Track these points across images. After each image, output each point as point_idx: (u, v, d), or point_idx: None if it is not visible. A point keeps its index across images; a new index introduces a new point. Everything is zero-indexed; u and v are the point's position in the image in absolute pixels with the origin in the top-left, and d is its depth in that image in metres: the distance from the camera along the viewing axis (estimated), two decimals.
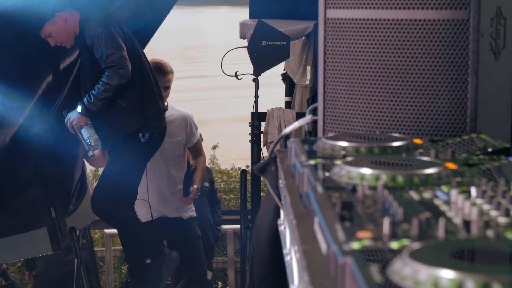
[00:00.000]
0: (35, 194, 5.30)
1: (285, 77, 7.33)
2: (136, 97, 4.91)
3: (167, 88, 5.36)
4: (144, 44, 5.38)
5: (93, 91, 4.75)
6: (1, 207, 5.19)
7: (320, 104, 2.38)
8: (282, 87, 7.60)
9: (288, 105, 7.09)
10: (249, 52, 4.99)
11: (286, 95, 7.38)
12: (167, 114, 5.24)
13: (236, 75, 5.08)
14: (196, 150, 5.79)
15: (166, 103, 5.24)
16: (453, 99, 2.20)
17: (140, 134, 4.97)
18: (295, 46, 6.29)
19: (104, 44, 4.71)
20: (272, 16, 5.62)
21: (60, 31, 4.84)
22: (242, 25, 5.79)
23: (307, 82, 5.91)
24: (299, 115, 5.37)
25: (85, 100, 4.78)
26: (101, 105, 4.78)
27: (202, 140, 5.97)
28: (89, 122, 4.89)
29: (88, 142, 4.88)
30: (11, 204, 5.24)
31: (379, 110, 2.26)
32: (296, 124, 2.42)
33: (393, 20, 2.20)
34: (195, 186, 5.62)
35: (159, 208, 5.57)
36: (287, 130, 2.43)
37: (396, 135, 2.04)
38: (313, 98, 5.67)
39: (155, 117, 5.01)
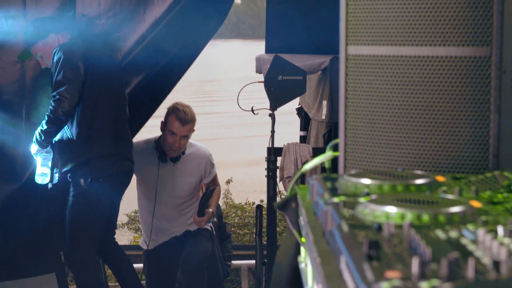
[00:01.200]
0: (45, 238, 5.28)
1: (300, 112, 7.33)
2: (82, 133, 4.70)
3: (185, 137, 5.23)
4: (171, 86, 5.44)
5: (42, 121, 4.66)
6: (11, 249, 5.18)
7: (341, 140, 2.37)
8: (296, 121, 7.60)
9: (303, 139, 7.09)
10: (265, 86, 4.99)
11: (301, 130, 7.38)
12: (183, 156, 5.27)
13: (252, 110, 5.07)
14: (212, 182, 5.61)
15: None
16: (475, 136, 2.19)
17: (82, 179, 4.72)
18: (311, 81, 6.30)
19: (56, 72, 4.60)
20: (288, 50, 5.64)
21: (50, 52, 4.73)
22: (258, 60, 5.81)
23: (323, 117, 5.91)
24: (315, 150, 5.36)
25: (36, 130, 4.70)
26: (48, 135, 4.66)
27: None
28: (47, 155, 4.78)
29: (36, 174, 4.80)
30: (20, 246, 5.23)
31: (401, 147, 2.25)
32: (316, 161, 2.41)
33: (414, 56, 2.20)
34: (210, 210, 5.39)
35: (157, 240, 5.49)
36: (307, 167, 2.42)
37: (419, 172, 2.02)
38: (329, 133, 5.67)
39: (101, 159, 4.76)
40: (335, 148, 2.46)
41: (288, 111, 7.49)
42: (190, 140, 5.39)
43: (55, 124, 4.61)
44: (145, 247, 5.50)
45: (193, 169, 5.40)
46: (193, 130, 5.30)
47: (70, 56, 4.64)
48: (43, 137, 4.65)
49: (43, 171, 4.75)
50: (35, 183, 4.84)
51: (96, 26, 5.27)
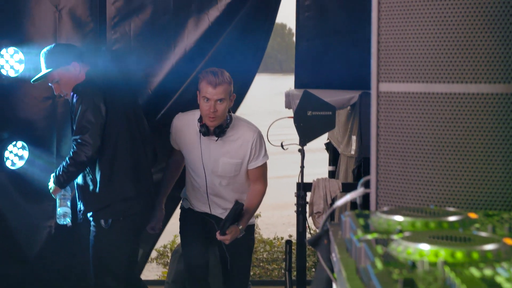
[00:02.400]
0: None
1: (329, 146, 7.33)
2: (103, 176, 4.67)
3: (221, 101, 4.69)
4: None
5: (62, 163, 4.61)
6: None
7: (373, 177, 2.38)
8: (323, 159, 7.59)
9: (332, 174, 7.08)
10: (295, 122, 5.00)
11: (329, 165, 7.37)
12: (228, 132, 4.83)
13: (282, 146, 5.09)
14: (255, 175, 5.02)
15: (228, 117, 4.80)
16: (507, 173, 2.19)
17: (102, 220, 4.69)
18: (340, 116, 6.31)
19: (79, 114, 4.53)
20: (317, 85, 5.65)
21: (69, 80, 4.66)
22: (288, 95, 5.83)
23: (352, 152, 5.90)
24: (345, 185, 5.35)
25: (56, 169, 4.64)
26: (70, 177, 4.62)
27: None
28: (67, 194, 4.74)
29: (57, 213, 4.74)
30: None
31: (433, 183, 2.26)
32: (348, 197, 2.42)
33: (446, 93, 2.21)
34: (240, 227, 4.88)
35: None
36: (339, 203, 2.43)
37: (451, 209, 2.03)
38: (358, 168, 5.66)
39: (123, 202, 4.72)
40: (367, 184, 2.47)
41: (316, 148, 7.49)
42: (239, 116, 5.04)
43: (77, 167, 4.57)
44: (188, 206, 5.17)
45: (237, 150, 4.90)
46: (234, 95, 4.83)
47: (92, 97, 4.59)
48: (64, 178, 4.62)
49: (64, 211, 4.71)
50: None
51: (122, 60, 5.33)
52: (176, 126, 4.97)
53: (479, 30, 2.16)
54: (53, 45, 4.81)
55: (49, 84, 4.74)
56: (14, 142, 5.03)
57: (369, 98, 5.32)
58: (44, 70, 4.69)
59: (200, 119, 4.82)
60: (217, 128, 4.79)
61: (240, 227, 4.86)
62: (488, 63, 2.16)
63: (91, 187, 4.68)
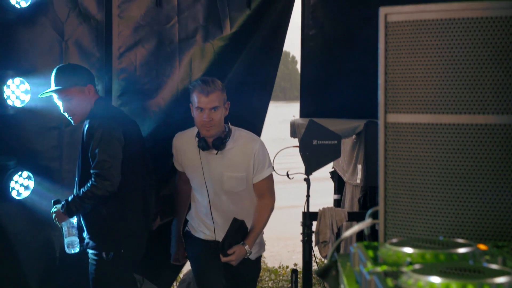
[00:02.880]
0: None
1: (334, 175, 7.33)
2: (116, 210, 4.64)
3: (215, 109, 4.56)
4: None
5: (78, 194, 4.54)
6: None
7: (381, 208, 2.37)
8: (328, 189, 7.58)
9: (337, 203, 7.07)
10: (300, 151, 5.00)
11: (334, 193, 7.36)
12: (229, 145, 4.67)
13: (287, 175, 5.08)
14: (261, 189, 4.82)
15: (226, 128, 4.68)
16: None
17: (104, 253, 4.63)
18: (345, 144, 6.31)
19: (99, 147, 4.49)
20: (323, 114, 5.68)
21: (82, 102, 4.63)
22: (293, 124, 5.85)
23: (358, 181, 5.90)
24: (351, 215, 5.34)
25: (69, 200, 4.58)
26: (83, 209, 4.57)
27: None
28: (73, 222, 4.69)
29: (65, 242, 4.68)
30: None
31: (442, 215, 2.25)
32: (356, 228, 2.42)
33: (454, 124, 2.22)
34: (246, 247, 4.69)
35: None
36: (347, 234, 2.42)
37: (461, 240, 2.02)
38: (364, 197, 5.66)
39: (130, 237, 4.71)
40: (375, 215, 2.46)
41: (321, 176, 7.48)
42: (238, 128, 4.82)
43: (95, 201, 4.52)
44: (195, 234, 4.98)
45: (239, 162, 4.72)
46: (228, 103, 4.68)
47: (113, 129, 4.57)
48: (77, 209, 4.58)
49: (72, 240, 4.68)
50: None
51: (127, 89, 5.37)
52: (176, 145, 4.90)
53: (486, 61, 2.17)
54: (68, 64, 4.85)
55: (59, 100, 4.66)
56: (20, 172, 5.02)
57: (375, 127, 5.33)
58: (54, 87, 4.65)
59: (198, 134, 4.71)
60: (216, 141, 4.66)
61: (246, 246, 4.68)
62: (495, 94, 2.17)
63: (101, 221, 4.65)
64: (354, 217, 5.44)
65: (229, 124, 4.74)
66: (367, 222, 2.42)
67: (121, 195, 4.60)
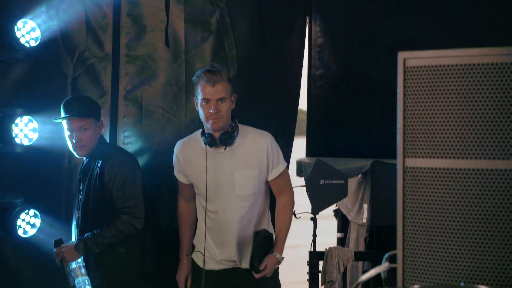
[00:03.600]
0: None
1: (337, 213, 7.31)
2: (134, 249, 4.66)
3: (222, 100, 4.25)
4: None
5: (101, 232, 4.48)
6: None
7: (399, 252, 2.37)
8: (330, 228, 7.55)
9: (341, 241, 7.03)
10: (307, 190, 4.99)
11: (338, 231, 7.33)
12: (238, 141, 4.35)
13: (294, 214, 5.07)
14: (279, 185, 4.53)
15: (233, 123, 4.34)
16: None
17: None
18: (350, 183, 6.31)
19: (127, 185, 4.53)
20: (329, 154, 5.68)
21: (93, 135, 4.63)
22: (299, 163, 5.84)
23: (364, 220, 5.88)
24: (357, 254, 5.32)
25: (88, 237, 4.49)
26: (102, 248, 4.51)
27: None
28: (82, 261, 4.56)
29: (75, 284, 4.52)
30: None
31: (461, 260, 2.24)
32: (372, 272, 2.41)
33: (474, 169, 2.22)
34: (276, 255, 4.41)
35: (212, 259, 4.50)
36: (364, 277, 2.41)
37: (481, 287, 2.01)
38: (370, 237, 5.64)
39: (140, 277, 4.70)
40: (392, 259, 2.45)
41: (323, 215, 7.46)
42: (246, 126, 4.48)
43: (119, 239, 4.50)
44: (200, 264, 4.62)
45: (250, 158, 4.36)
46: (235, 95, 4.38)
47: (136, 168, 4.68)
48: (97, 245, 4.51)
49: (84, 280, 4.54)
50: None
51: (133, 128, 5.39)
52: (178, 151, 4.54)
53: (506, 106, 2.17)
54: (86, 96, 4.88)
55: (73, 129, 4.59)
56: (26, 210, 5.01)
57: (382, 167, 5.35)
58: (71, 114, 4.60)
59: (203, 132, 4.38)
60: (224, 135, 4.30)
61: (277, 254, 4.42)
62: None
63: (119, 260, 4.62)
64: (361, 257, 5.42)
65: (236, 120, 4.40)
66: (384, 266, 2.41)
67: (139, 234, 4.64)
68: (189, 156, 4.46)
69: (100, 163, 4.60)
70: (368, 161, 5.62)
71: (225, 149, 4.34)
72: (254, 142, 4.38)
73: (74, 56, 5.29)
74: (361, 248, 5.89)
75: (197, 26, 5.43)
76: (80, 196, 4.69)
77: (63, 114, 4.60)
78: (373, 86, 5.73)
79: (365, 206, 5.86)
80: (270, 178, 4.48)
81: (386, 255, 2.48)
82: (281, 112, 5.54)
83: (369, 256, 5.47)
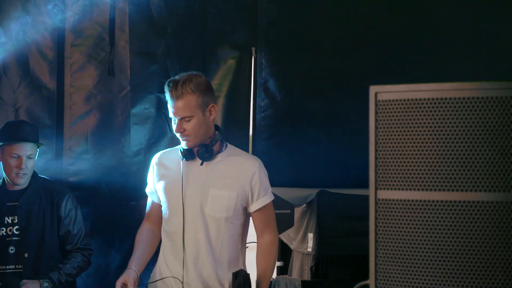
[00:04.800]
0: None
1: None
2: None
3: (188, 119, 3.70)
4: None
5: (65, 270, 4.50)
6: None
7: (371, 284, 2.39)
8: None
9: (281, 270, 7.04)
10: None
11: (278, 260, 7.34)
12: (220, 157, 3.82)
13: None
14: (264, 220, 3.91)
15: (216, 135, 3.81)
16: (509, 280, 2.23)
17: None
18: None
19: (79, 221, 4.64)
20: (274, 184, 5.69)
21: (33, 163, 4.57)
22: None
23: (309, 249, 5.91)
24: (304, 283, 5.33)
25: (55, 277, 4.44)
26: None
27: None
28: None
29: None
30: None
31: None
32: None
33: (445, 201, 2.27)
34: None
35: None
36: None
37: None
38: (316, 266, 5.66)
39: None
40: None
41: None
42: (236, 148, 4.00)
43: (79, 275, 4.62)
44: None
45: (234, 178, 3.80)
46: (212, 106, 3.77)
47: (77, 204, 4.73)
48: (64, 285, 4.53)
49: None
50: None
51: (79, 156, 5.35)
52: (155, 162, 4.00)
53: (478, 139, 2.23)
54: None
55: (28, 156, 4.52)
56: None
57: (328, 196, 5.38)
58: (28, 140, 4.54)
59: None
60: (202, 147, 3.77)
61: None
62: (487, 172, 2.22)
63: None
64: (308, 286, 5.44)
65: (220, 132, 3.89)
66: None
67: None
68: (165, 166, 3.91)
69: (50, 197, 4.55)
70: (314, 191, 5.66)
71: (201, 164, 3.78)
72: (240, 162, 3.84)
73: (17, 86, 5.22)
74: (306, 277, 5.91)
75: (143, 56, 5.43)
76: (14, 231, 4.55)
77: (4, 137, 4.53)
78: (318, 117, 5.79)
79: (310, 235, 5.89)
80: (253, 208, 3.87)
81: (357, 285, 2.51)
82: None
83: (317, 285, 5.50)
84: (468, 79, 2.27)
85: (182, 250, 3.79)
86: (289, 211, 5.13)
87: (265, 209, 3.92)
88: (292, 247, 6.56)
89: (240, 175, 3.81)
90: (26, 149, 4.50)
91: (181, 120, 3.69)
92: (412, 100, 2.30)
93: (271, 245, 3.98)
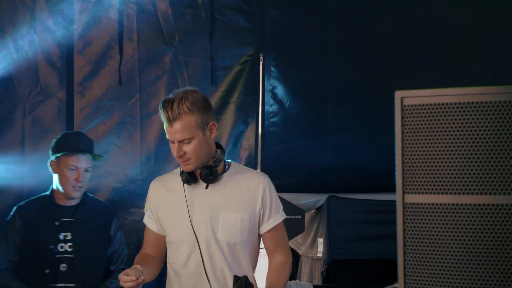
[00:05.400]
0: None
1: None
2: None
3: (188, 141, 3.38)
4: None
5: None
6: None
7: (401, 286, 2.41)
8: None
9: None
10: None
11: None
12: (226, 177, 3.52)
13: None
14: (276, 240, 3.58)
15: (219, 154, 3.49)
16: None
17: None
18: None
19: (123, 242, 4.70)
20: (284, 189, 5.71)
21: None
22: None
23: (319, 254, 5.92)
24: None
25: None
26: None
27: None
28: None
29: None
30: None
31: None
32: None
33: (474, 205, 2.28)
34: None
35: None
36: None
37: None
38: (327, 271, 5.67)
39: None
40: None
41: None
42: (241, 165, 3.78)
43: None
44: None
45: (244, 198, 3.50)
46: (213, 124, 3.47)
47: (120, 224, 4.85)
48: None
49: None
50: None
51: None
52: (152, 190, 3.69)
53: (506, 142, 2.25)
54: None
55: (83, 168, 4.57)
56: None
57: (337, 201, 5.40)
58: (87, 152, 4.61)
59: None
60: (205, 169, 3.46)
61: None
62: None
63: None
64: None
65: (222, 150, 3.58)
66: None
67: None
68: (165, 193, 3.61)
69: (102, 215, 4.61)
70: (324, 196, 5.68)
71: (206, 187, 3.48)
72: (248, 180, 3.53)
73: (27, 95, 5.24)
74: (317, 282, 5.93)
75: (150, 64, 5.45)
76: (67, 248, 4.50)
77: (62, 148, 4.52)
78: (327, 122, 5.82)
79: (320, 240, 5.90)
80: (264, 230, 3.56)
81: None
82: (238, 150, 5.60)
83: None
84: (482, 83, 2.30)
85: (204, 282, 3.46)
86: (300, 216, 5.15)
87: (276, 228, 3.58)
88: (300, 252, 6.58)
89: (250, 194, 3.50)
90: (84, 161, 4.51)
91: (181, 143, 3.37)
92: (438, 104, 2.32)
93: (284, 264, 3.61)
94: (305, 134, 5.85)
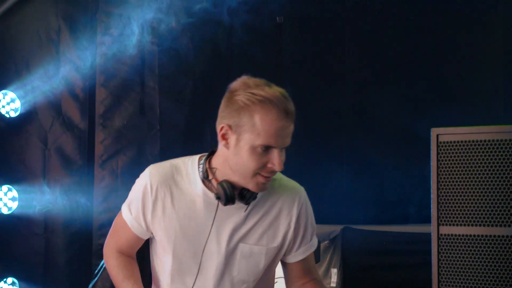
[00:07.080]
0: None
1: None
2: None
3: (284, 148, 2.36)
4: None
5: None
6: None
7: None
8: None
9: None
10: None
11: None
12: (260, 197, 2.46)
13: None
14: (307, 266, 2.62)
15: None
16: None
17: None
18: None
19: None
20: None
21: None
22: None
23: (333, 284, 6.00)
24: None
25: None
26: None
27: None
28: None
29: None
30: None
31: None
32: None
33: (506, 236, 2.41)
34: None
35: None
36: None
37: None
38: None
39: None
40: None
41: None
42: None
43: None
44: None
45: (270, 224, 2.51)
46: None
47: None
48: None
49: None
50: None
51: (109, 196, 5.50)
52: (156, 184, 2.69)
53: None
54: None
55: None
56: (5, 279, 5.00)
57: (352, 232, 5.49)
58: None
59: (207, 175, 2.48)
60: (245, 188, 2.43)
61: None
62: None
63: None
64: None
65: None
66: None
67: None
68: (174, 197, 2.55)
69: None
70: (337, 227, 5.77)
71: (245, 211, 2.49)
72: (282, 197, 2.54)
73: (50, 126, 5.35)
74: None
75: (171, 96, 5.57)
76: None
77: None
78: (341, 153, 5.92)
79: (334, 270, 5.98)
80: (293, 259, 2.61)
81: None
82: None
83: None
84: None
85: None
86: (315, 247, 5.23)
87: (307, 258, 2.65)
88: None
89: (283, 216, 2.53)
90: None
91: (282, 150, 2.35)
92: (472, 141, 2.45)
93: (322, 283, 2.72)
94: (319, 165, 5.95)
